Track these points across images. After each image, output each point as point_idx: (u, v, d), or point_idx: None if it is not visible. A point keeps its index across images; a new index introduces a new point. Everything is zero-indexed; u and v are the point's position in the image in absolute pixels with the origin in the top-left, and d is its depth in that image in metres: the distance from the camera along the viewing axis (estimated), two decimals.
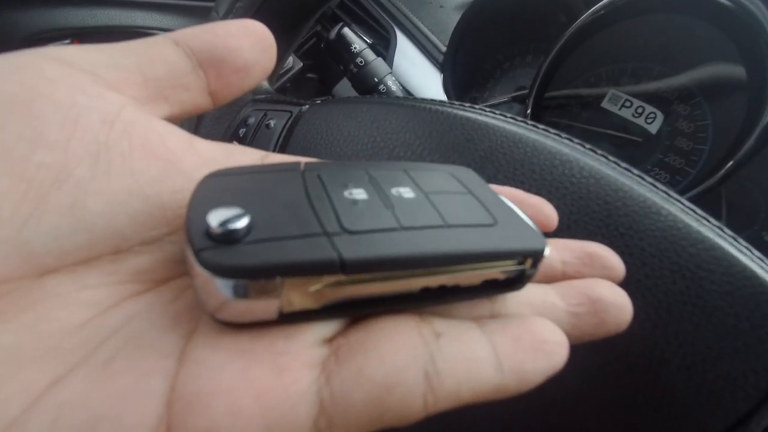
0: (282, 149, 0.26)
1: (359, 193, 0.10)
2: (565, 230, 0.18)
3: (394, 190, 0.11)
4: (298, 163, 0.12)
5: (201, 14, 0.50)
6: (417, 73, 0.48)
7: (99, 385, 0.08)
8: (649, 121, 0.38)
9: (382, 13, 0.49)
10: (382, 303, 0.10)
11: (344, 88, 0.52)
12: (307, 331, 0.10)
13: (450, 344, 0.10)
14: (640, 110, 0.39)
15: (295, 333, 0.09)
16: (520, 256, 0.10)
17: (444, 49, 0.47)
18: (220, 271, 0.08)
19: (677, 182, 0.39)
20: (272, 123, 0.26)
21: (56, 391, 0.08)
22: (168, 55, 0.13)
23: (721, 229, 0.17)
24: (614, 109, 0.40)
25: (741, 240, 0.17)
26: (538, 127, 0.20)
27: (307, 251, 0.09)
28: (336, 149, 0.23)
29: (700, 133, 0.38)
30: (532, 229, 0.11)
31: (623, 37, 0.39)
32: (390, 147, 0.22)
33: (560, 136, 0.20)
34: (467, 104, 0.22)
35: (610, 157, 0.19)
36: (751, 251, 0.16)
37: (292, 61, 0.45)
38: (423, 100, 0.23)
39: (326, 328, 0.10)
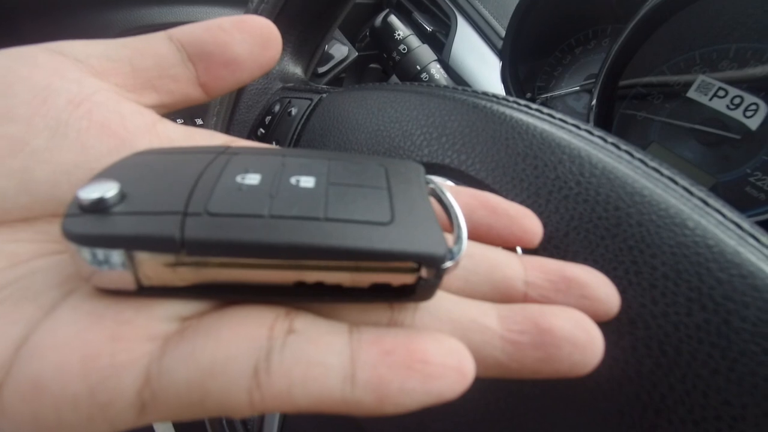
0: (299, 137, 0.26)
1: (252, 179, 0.10)
2: (560, 239, 0.15)
3: (293, 179, 0.10)
4: (223, 147, 0.12)
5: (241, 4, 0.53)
6: (477, 61, 0.45)
7: None
8: (748, 114, 0.31)
9: None
10: (252, 291, 0.09)
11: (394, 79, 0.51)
12: (161, 306, 0.10)
13: (297, 344, 0.09)
14: (737, 101, 0.32)
15: (148, 306, 0.10)
16: (407, 259, 0.09)
17: (503, 34, 0.43)
18: (70, 237, 0.09)
19: None
20: (293, 110, 0.26)
21: None
22: (159, 49, 0.14)
23: (761, 239, 0.13)
24: (704, 99, 0.33)
25: None
26: (554, 117, 0.18)
27: (152, 227, 0.09)
28: (345, 137, 0.23)
29: None
30: (435, 233, 0.09)
31: (725, 10, 0.32)
32: (391, 136, 0.21)
33: (579, 127, 0.17)
34: (481, 91, 0.20)
35: (636, 154, 0.16)
36: None
37: (347, 51, 0.46)
38: (436, 87, 0.21)
39: (186, 307, 0.10)
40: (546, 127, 0.17)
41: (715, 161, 0.34)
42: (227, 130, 0.30)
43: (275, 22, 0.28)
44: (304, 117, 0.26)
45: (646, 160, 0.16)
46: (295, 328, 0.09)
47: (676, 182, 0.15)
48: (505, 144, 0.17)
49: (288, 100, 0.27)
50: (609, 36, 0.41)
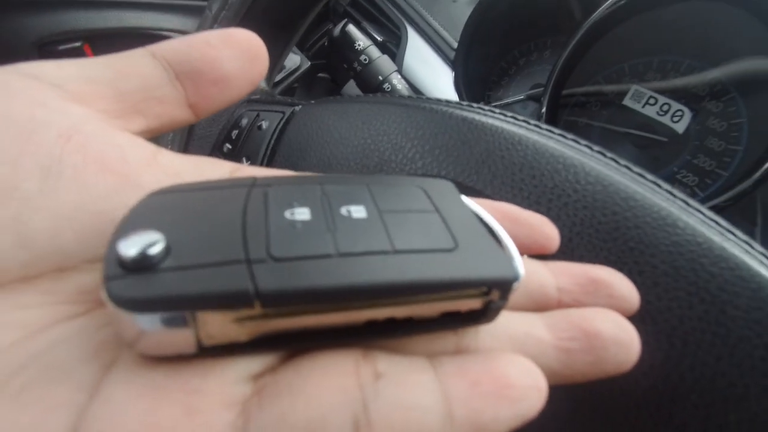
0: (273, 152, 0.25)
1: (302, 213, 0.09)
2: (565, 244, 0.16)
3: (344, 209, 0.10)
4: (251, 178, 0.11)
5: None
6: (428, 71, 0.46)
7: (7, 415, 0.08)
8: (675, 119, 0.36)
9: (393, 9, 0.48)
10: (322, 336, 0.09)
11: (353, 87, 0.51)
12: (229, 366, 0.09)
13: (389, 388, 0.08)
14: (665, 108, 0.36)
15: (215, 369, 0.08)
16: (483, 285, 0.09)
17: (455, 45, 0.45)
18: (123, 303, 0.07)
19: (707, 186, 0.36)
20: (264, 124, 0.25)
21: None
22: (143, 68, 0.12)
23: (750, 245, 0.15)
24: (637, 107, 0.37)
25: (757, 246, 0.14)
26: (540, 128, 0.18)
27: (218, 282, 0.08)
28: (327, 152, 0.22)
29: (733, 132, 0.35)
30: (501, 255, 0.10)
31: (648, 28, 0.36)
32: (380, 150, 0.21)
33: (565, 137, 0.18)
34: (465, 103, 0.21)
35: (621, 161, 0.17)
36: None
37: (300, 61, 0.45)
38: (419, 98, 0.22)
39: (254, 363, 0.09)
40: (537, 137, 0.18)
41: (647, 162, 0.38)
42: (186, 145, 0.28)
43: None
44: (277, 131, 0.25)
45: (630, 166, 0.17)
46: (380, 371, 0.09)
47: (659, 185, 0.16)
48: (500, 156, 0.18)
49: (256, 113, 0.26)
50: (549, 48, 0.44)
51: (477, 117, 0.19)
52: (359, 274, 0.08)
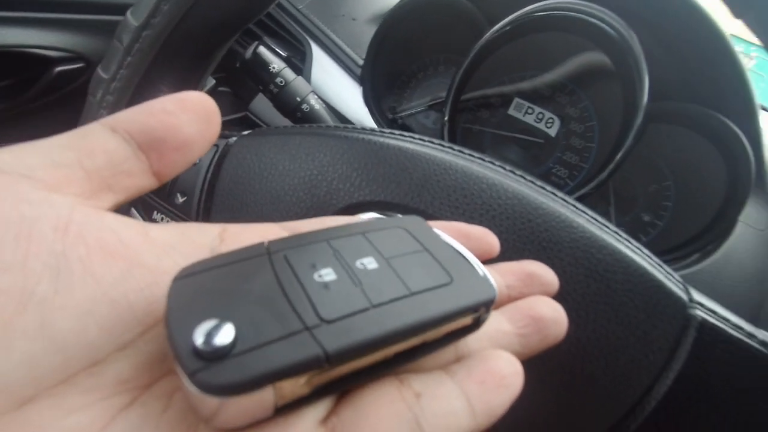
0: (211, 186, 0.25)
1: (328, 274, 0.11)
2: None
3: (359, 263, 0.12)
4: (261, 245, 0.12)
5: (85, 28, 0.45)
6: (335, 85, 0.48)
7: None
8: (548, 125, 0.43)
9: (295, 26, 0.49)
10: (364, 374, 0.11)
11: (262, 103, 0.51)
12: (302, 418, 0.10)
13: (430, 403, 0.11)
14: (540, 116, 0.43)
15: (293, 423, 0.10)
16: (478, 308, 0.12)
17: (360, 61, 0.48)
18: (217, 391, 0.08)
19: (574, 177, 0.45)
20: (197, 159, 0.25)
21: None
22: (106, 144, 0.12)
23: (618, 234, 0.20)
24: (519, 115, 0.44)
25: (633, 241, 0.20)
26: (464, 153, 0.22)
27: (293, 352, 0.09)
28: (274, 184, 0.23)
29: (588, 132, 0.44)
30: (482, 279, 0.12)
31: (522, 50, 0.43)
32: (328, 180, 0.22)
33: (483, 160, 0.22)
34: (397, 132, 0.23)
35: (527, 177, 0.22)
36: (641, 250, 0.20)
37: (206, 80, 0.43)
38: (355, 129, 0.24)
39: (318, 410, 0.10)
40: (464, 162, 0.21)
41: (530, 160, 0.46)
42: None
43: (153, 63, 0.26)
44: (212, 165, 0.25)
45: (534, 180, 0.22)
46: (417, 391, 0.11)
47: (555, 195, 0.21)
48: (436, 180, 0.21)
49: None
50: (443, 63, 0.50)
51: (411, 146, 0.22)
52: (396, 319, 0.10)
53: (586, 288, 0.19)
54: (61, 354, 0.09)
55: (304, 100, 0.36)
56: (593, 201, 0.44)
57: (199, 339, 0.09)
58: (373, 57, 0.45)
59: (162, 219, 0.26)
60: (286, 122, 0.41)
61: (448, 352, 0.13)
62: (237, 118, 0.52)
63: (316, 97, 0.37)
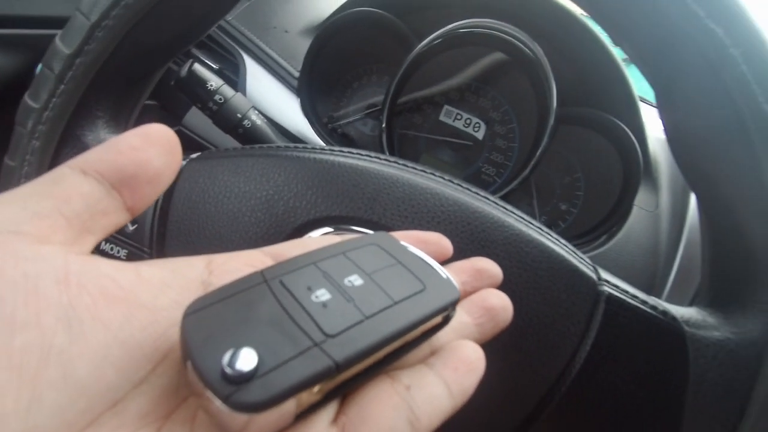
0: (164, 212, 0.25)
1: (323, 294, 0.13)
2: None
3: (347, 281, 0.13)
4: (257, 274, 0.13)
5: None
6: (272, 97, 0.49)
7: None
8: (476, 129, 0.48)
9: (226, 38, 0.48)
10: (361, 376, 0.13)
11: (196, 117, 0.50)
12: (317, 421, 0.12)
13: (418, 393, 0.13)
14: (468, 121, 0.48)
15: (310, 427, 0.11)
16: (449, 307, 0.14)
17: (295, 73, 0.49)
18: (250, 409, 0.10)
19: (501, 174, 0.50)
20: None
21: None
22: (80, 188, 0.13)
23: (541, 229, 0.24)
24: (449, 121, 0.48)
25: (552, 233, 0.24)
26: (407, 166, 0.25)
27: (309, 366, 0.11)
28: (227, 207, 0.24)
29: (510, 134, 0.49)
30: (447, 282, 0.15)
31: (448, 61, 0.47)
32: (285, 199, 0.24)
33: (425, 172, 0.25)
34: (346, 150, 0.25)
35: (464, 184, 0.25)
36: (559, 240, 0.24)
37: None
38: (306, 148, 0.25)
39: (328, 412, 0.12)
40: (410, 176, 0.24)
41: (461, 161, 0.50)
42: None
43: (88, 90, 0.25)
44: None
45: (469, 187, 0.25)
46: (407, 384, 0.13)
47: (488, 199, 0.24)
48: (386, 194, 0.23)
49: None
50: (375, 73, 0.52)
51: (361, 163, 0.24)
52: (387, 326, 0.12)
53: (518, 278, 0.22)
54: (85, 399, 0.10)
55: (245, 116, 0.37)
56: (519, 195, 0.49)
57: (227, 366, 0.10)
58: (309, 68, 0.46)
59: (112, 249, 0.25)
60: (227, 138, 0.41)
61: (424, 347, 0.15)
62: None
63: (257, 113, 0.38)
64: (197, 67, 0.36)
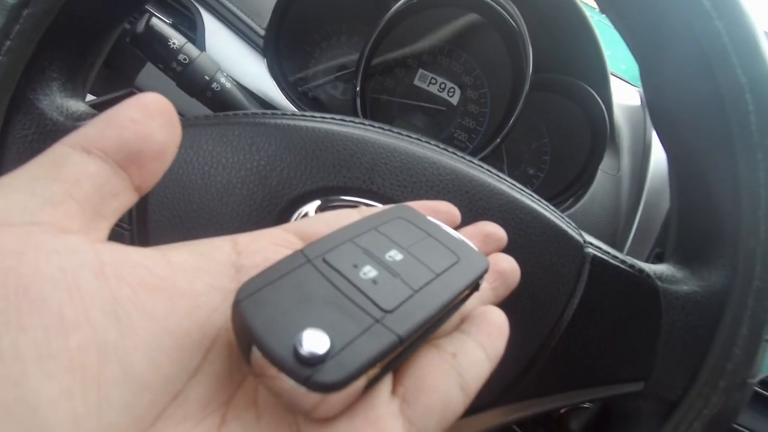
0: None
1: (370, 272, 0.13)
2: None
3: (387, 257, 0.13)
4: (299, 254, 0.13)
5: None
6: (235, 57, 0.45)
7: None
8: (450, 94, 0.47)
9: None
10: (410, 348, 0.13)
11: (151, 78, 0.45)
12: (379, 393, 0.12)
13: (463, 359, 0.13)
14: (443, 86, 0.47)
15: (375, 399, 0.12)
16: (481, 276, 0.15)
17: (260, 31, 0.45)
18: (329, 388, 0.10)
19: (473, 140, 0.50)
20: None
21: None
22: (87, 168, 0.11)
23: (532, 196, 0.25)
24: (424, 85, 0.47)
25: (543, 200, 0.25)
26: (402, 134, 0.24)
27: (376, 342, 0.11)
28: (216, 179, 0.23)
29: (481, 99, 0.49)
30: (475, 252, 0.15)
31: (423, 23, 0.46)
32: (278, 170, 0.23)
33: (420, 140, 0.24)
34: (338, 117, 0.24)
35: (458, 153, 0.25)
36: (549, 207, 0.25)
37: None
38: (295, 115, 0.24)
39: (387, 384, 0.12)
40: (406, 145, 0.24)
41: (434, 126, 0.50)
42: None
43: (39, 48, 0.22)
44: None
45: (464, 155, 0.25)
46: (452, 351, 0.13)
47: (482, 167, 0.25)
48: (384, 163, 0.23)
49: None
50: (345, 33, 0.50)
51: (357, 132, 0.23)
52: (436, 298, 0.13)
53: (513, 243, 0.23)
54: (148, 393, 0.10)
55: (213, 79, 0.34)
56: (491, 161, 0.51)
57: (300, 348, 0.10)
58: (277, 26, 0.43)
59: None
60: (191, 102, 0.38)
61: (456, 318, 0.15)
62: (121, 95, 0.45)
63: (225, 75, 0.35)
64: (156, 22, 0.32)
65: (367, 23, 0.47)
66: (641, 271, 0.25)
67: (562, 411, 0.37)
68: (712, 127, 0.23)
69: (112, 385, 0.09)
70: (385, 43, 0.44)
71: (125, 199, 0.12)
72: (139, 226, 0.23)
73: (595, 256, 0.24)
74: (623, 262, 0.25)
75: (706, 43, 0.22)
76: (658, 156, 0.47)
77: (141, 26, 0.32)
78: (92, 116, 0.25)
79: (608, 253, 0.25)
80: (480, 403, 0.23)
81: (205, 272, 0.12)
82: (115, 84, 0.48)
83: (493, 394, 0.24)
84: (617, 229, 0.43)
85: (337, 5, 0.46)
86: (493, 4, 0.40)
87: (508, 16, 0.40)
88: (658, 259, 0.43)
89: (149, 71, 0.45)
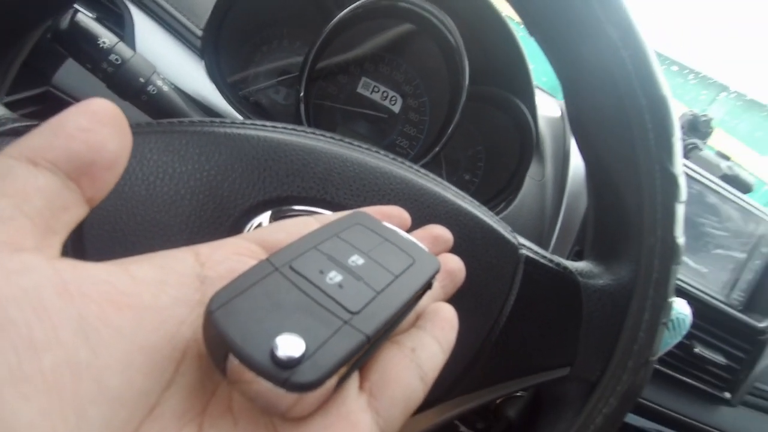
0: None
1: (335, 276, 0.13)
2: None
3: (350, 261, 0.14)
4: (266, 263, 0.13)
5: None
6: (168, 58, 0.43)
7: None
8: (392, 102, 0.49)
9: None
10: (374, 347, 0.14)
11: (70, 76, 0.42)
12: (348, 391, 0.13)
13: (422, 352, 0.15)
14: (385, 94, 0.49)
15: (344, 396, 0.12)
16: (434, 276, 0.16)
17: (196, 31, 0.44)
18: (306, 388, 0.10)
19: (414, 147, 0.53)
20: None
21: None
22: (35, 181, 0.11)
23: (473, 202, 0.27)
24: (367, 93, 0.49)
25: (483, 207, 0.27)
26: (353, 144, 0.25)
27: (346, 343, 0.12)
28: (162, 190, 0.22)
29: (421, 107, 0.52)
30: (427, 253, 0.17)
31: (366, 31, 0.47)
32: (230, 180, 0.22)
33: (371, 150, 0.25)
34: (289, 126, 0.25)
35: (407, 163, 0.26)
36: (488, 212, 0.27)
37: None
38: (244, 124, 0.24)
39: (354, 381, 0.13)
40: (358, 155, 0.24)
41: (377, 133, 0.52)
42: None
43: None
44: None
45: (411, 165, 0.26)
46: (411, 346, 0.14)
47: (428, 176, 0.26)
48: (338, 173, 0.24)
49: None
50: (287, 38, 0.49)
51: (310, 142, 0.24)
52: (397, 297, 0.14)
53: (458, 247, 0.25)
54: (124, 409, 0.10)
55: (149, 81, 0.32)
56: (430, 167, 0.53)
57: (277, 353, 0.10)
58: (217, 27, 0.42)
59: None
60: (124, 105, 0.35)
61: (411, 313, 0.17)
62: (36, 95, 0.41)
63: (162, 77, 0.34)
64: (82, 17, 0.30)
65: (309, 29, 0.47)
66: (566, 268, 0.28)
67: (498, 401, 0.40)
68: (619, 140, 0.27)
69: (88, 403, 0.09)
70: (329, 49, 0.45)
71: (76, 213, 0.12)
72: (74, 243, 0.21)
73: (527, 256, 0.27)
74: (551, 261, 0.28)
75: (615, 70, 0.25)
76: (576, 163, 0.52)
77: (65, 22, 0.29)
78: (11, 120, 0.23)
79: (539, 253, 0.28)
80: (432, 398, 0.24)
81: (169, 285, 0.12)
82: (28, 81, 0.44)
83: (443, 388, 0.25)
84: (543, 230, 0.47)
85: (279, 9, 0.46)
86: (431, 17, 0.42)
87: (443, 28, 0.42)
88: (577, 256, 0.48)
89: (70, 69, 0.41)
